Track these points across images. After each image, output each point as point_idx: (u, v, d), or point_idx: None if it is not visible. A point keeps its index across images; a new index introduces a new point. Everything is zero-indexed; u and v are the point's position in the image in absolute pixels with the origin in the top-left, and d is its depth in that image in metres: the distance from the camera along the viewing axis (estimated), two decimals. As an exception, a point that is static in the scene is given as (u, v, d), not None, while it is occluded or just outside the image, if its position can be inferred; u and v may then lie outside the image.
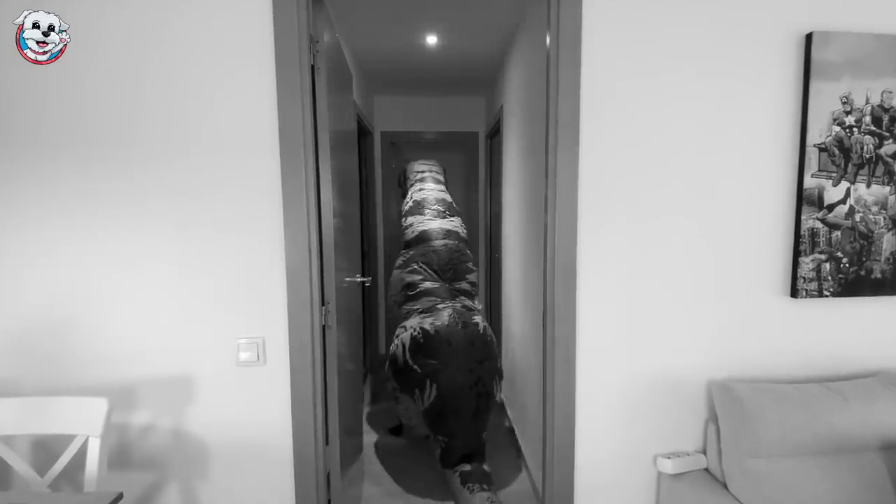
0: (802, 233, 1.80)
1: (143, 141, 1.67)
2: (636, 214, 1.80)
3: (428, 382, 2.75)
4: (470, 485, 2.54)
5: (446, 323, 2.85)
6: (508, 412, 3.59)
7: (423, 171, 3.77)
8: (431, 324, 2.86)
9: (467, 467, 2.64)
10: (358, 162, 3.59)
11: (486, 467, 2.70)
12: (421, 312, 3.06)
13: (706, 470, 1.84)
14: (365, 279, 2.46)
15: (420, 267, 3.32)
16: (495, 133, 4.23)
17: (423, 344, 2.80)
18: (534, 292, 2.57)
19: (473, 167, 5.08)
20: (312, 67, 1.74)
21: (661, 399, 1.88)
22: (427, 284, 3.25)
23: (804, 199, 1.79)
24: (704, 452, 1.87)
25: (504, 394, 3.79)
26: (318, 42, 1.77)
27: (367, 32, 3.20)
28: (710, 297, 1.85)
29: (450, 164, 5.32)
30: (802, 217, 1.80)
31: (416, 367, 2.79)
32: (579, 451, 1.88)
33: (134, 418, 1.76)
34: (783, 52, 1.77)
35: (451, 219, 3.54)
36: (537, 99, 2.37)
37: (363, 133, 4.21)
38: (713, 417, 1.85)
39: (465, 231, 3.58)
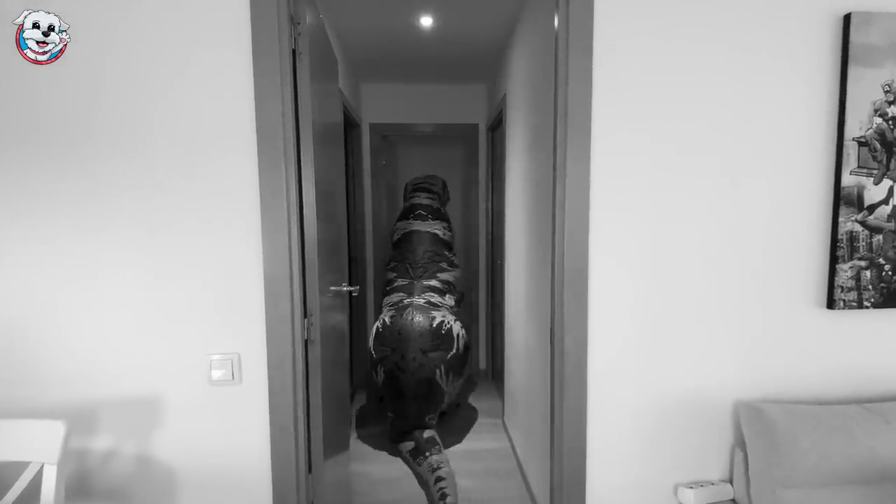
0: (840, 237, 1.79)
1: (100, 139, 1.65)
2: (655, 214, 1.78)
3: (378, 366, 3.59)
4: (418, 459, 3.20)
5: (402, 315, 3.61)
6: (511, 436, 3.57)
7: (417, 183, 4.51)
8: (392, 316, 3.65)
9: (410, 444, 3.33)
10: (345, 157, 3.60)
11: (426, 434, 3.37)
12: (390, 306, 3.84)
13: (733, 501, 1.83)
14: (352, 289, 2.45)
15: (397, 265, 4.11)
16: (498, 125, 4.22)
17: (381, 333, 3.64)
18: (540, 302, 2.55)
19: (473, 163, 5.05)
20: (293, 52, 1.73)
21: (683, 422, 1.86)
22: (400, 282, 4.01)
23: (842, 199, 1.78)
24: (731, 482, 1.86)
25: (506, 416, 3.83)
26: (299, 24, 1.75)
27: (354, 13, 3.19)
28: (738, 308, 1.84)
29: (447, 159, 5.37)
30: (840, 219, 1.78)
31: (373, 352, 3.65)
32: (591, 480, 1.86)
33: (95, 443, 1.74)
34: (818, 35, 1.76)
35: (433, 222, 4.27)
36: (545, 86, 2.36)
37: (350, 125, 4.20)
38: (740, 443, 1.83)
39: (447, 234, 4.32)
